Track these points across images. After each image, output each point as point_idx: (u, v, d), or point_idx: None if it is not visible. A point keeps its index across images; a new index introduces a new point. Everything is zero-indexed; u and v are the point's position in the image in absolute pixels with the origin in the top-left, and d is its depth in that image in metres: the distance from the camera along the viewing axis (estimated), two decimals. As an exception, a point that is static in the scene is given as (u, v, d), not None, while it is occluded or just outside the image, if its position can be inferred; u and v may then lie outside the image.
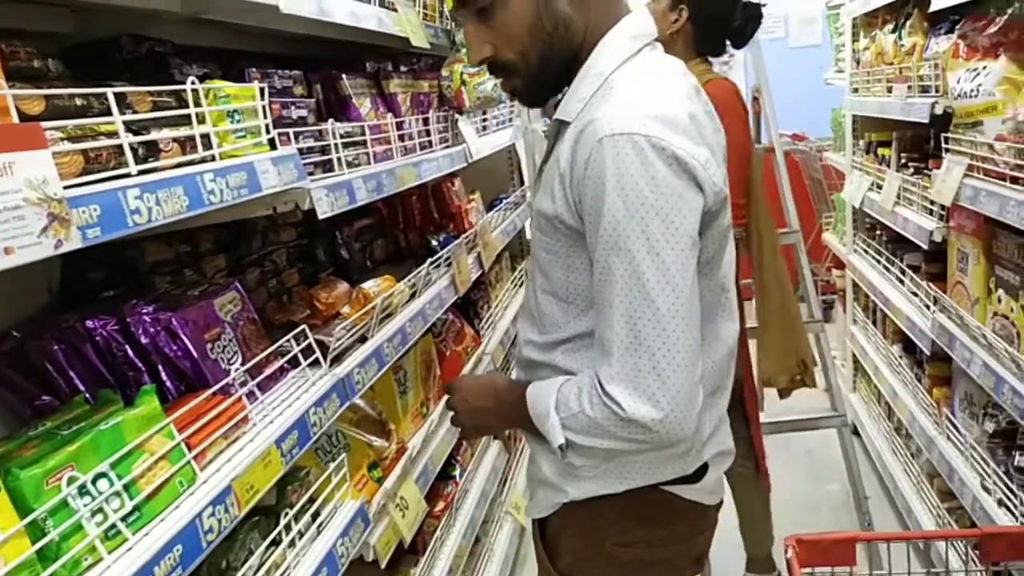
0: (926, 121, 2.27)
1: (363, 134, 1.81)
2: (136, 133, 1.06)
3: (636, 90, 1.09)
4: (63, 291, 1.43)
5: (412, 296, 2.02)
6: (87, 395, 1.19)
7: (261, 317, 1.76)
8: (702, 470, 1.24)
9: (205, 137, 1.20)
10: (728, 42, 2.28)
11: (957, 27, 2.17)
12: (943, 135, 2.16)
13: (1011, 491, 1.92)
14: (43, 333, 1.22)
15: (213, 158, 1.21)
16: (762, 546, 2.59)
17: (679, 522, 1.25)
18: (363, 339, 1.68)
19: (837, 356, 3.95)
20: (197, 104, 1.19)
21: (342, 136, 1.70)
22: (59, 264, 1.41)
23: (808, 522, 2.87)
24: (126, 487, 0.99)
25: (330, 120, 1.64)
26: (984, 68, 1.97)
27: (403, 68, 2.31)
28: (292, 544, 1.35)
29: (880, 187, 2.83)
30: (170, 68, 1.46)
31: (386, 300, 1.74)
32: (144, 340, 1.25)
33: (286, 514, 1.37)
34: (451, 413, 1.40)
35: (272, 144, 1.39)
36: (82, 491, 0.94)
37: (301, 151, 1.51)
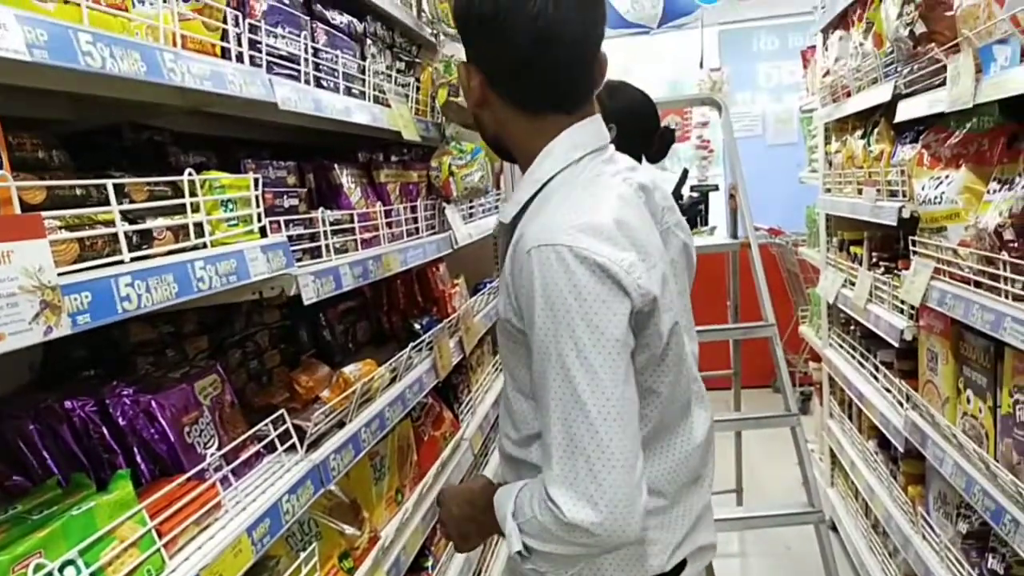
0: (894, 223, 2.36)
1: (352, 221, 1.86)
2: (132, 222, 1.10)
3: (566, 202, 1.14)
4: (44, 369, 1.43)
5: (392, 380, 2.03)
6: (60, 478, 1.18)
7: (241, 399, 1.77)
8: (680, 566, 1.25)
9: (198, 225, 1.24)
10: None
11: (921, 137, 2.29)
12: (911, 238, 2.25)
13: (986, 594, 1.92)
14: (19, 412, 1.23)
15: (205, 245, 1.25)
16: None
17: None
18: (341, 424, 1.69)
19: (815, 449, 3.96)
20: (193, 194, 1.24)
21: (332, 223, 1.75)
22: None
23: (787, 621, 2.82)
24: (93, 575, 0.98)
25: (320, 208, 1.69)
26: (947, 177, 2.07)
27: (394, 158, 2.39)
28: (258, 637, 1.32)
29: (853, 284, 2.91)
30: (168, 156, 1.51)
31: (366, 385, 1.76)
32: (122, 422, 1.25)
33: (254, 605, 1.34)
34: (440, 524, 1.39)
35: (263, 232, 1.43)
36: (48, 579, 0.93)
37: (291, 238, 1.55)
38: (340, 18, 1.88)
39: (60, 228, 0.97)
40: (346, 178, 1.94)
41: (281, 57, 1.56)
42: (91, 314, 0.91)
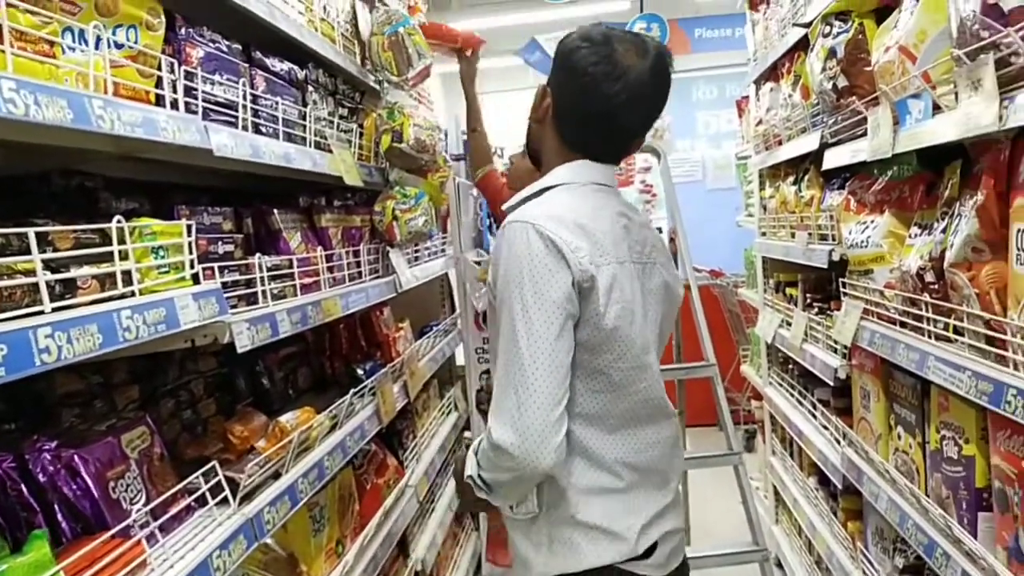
0: (826, 266, 2.45)
1: (290, 267, 1.84)
2: (55, 271, 1.07)
3: (550, 202, 1.42)
4: (-40, 424, 1.37)
5: (333, 428, 1.99)
6: (-28, 539, 1.13)
7: (174, 451, 1.71)
8: (652, 548, 1.44)
9: (127, 273, 1.21)
10: None
11: (848, 183, 2.39)
12: (841, 280, 2.33)
13: (923, 629, 1.95)
14: (-68, 470, 1.17)
15: (133, 294, 1.22)
16: None
17: None
18: (277, 475, 1.65)
19: (760, 487, 4.00)
20: (121, 241, 1.22)
21: (269, 269, 1.73)
22: (-41, 396, 1.36)
23: (735, 663, 2.81)
24: (3, 644, 0.93)
25: (257, 254, 1.68)
26: (872, 222, 2.16)
27: (337, 202, 2.39)
28: None
29: (789, 324, 2.99)
30: (99, 202, 1.49)
31: (303, 433, 1.72)
32: (42, 478, 1.20)
33: (181, 668, 1.28)
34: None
35: (196, 279, 1.41)
36: (-48, 650, 0.88)
37: (226, 285, 1.53)
38: (280, 65, 1.88)
39: (-24, 278, 0.94)
40: (285, 223, 1.92)
41: (219, 104, 1.56)
42: (6, 367, 0.88)
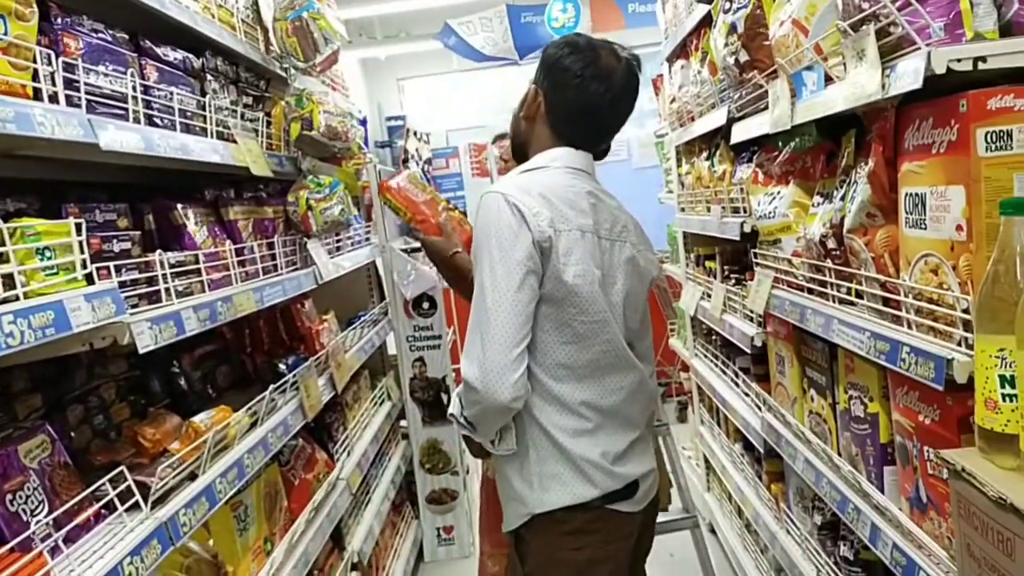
0: (738, 238, 2.51)
1: (196, 262, 1.79)
2: (-77, 277, 1.01)
3: (524, 178, 1.62)
4: None
5: (253, 425, 1.95)
6: None
7: (84, 459, 1.65)
8: (635, 486, 1.64)
9: (8, 276, 1.15)
10: None
11: (755, 157, 2.45)
12: (753, 251, 2.40)
13: (841, 581, 2.04)
14: None
15: (17, 298, 1.16)
16: None
17: (620, 528, 1.63)
18: (193, 476, 1.60)
19: (691, 456, 4.11)
20: (1, 243, 1.16)
21: (172, 265, 1.68)
22: None
23: (671, 627, 2.88)
24: None
25: (158, 251, 1.62)
26: (778, 193, 2.22)
27: (247, 194, 2.32)
28: None
29: (710, 296, 3.07)
30: (-21, 203, 1.41)
31: (219, 433, 1.68)
32: (-72, 497, 1.14)
33: None
34: None
35: (90, 279, 1.35)
36: None
37: (124, 284, 1.48)
38: (173, 54, 1.81)
39: None
40: (190, 217, 1.86)
41: (106, 96, 1.49)
42: None
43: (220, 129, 1.98)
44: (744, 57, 2.18)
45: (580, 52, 1.65)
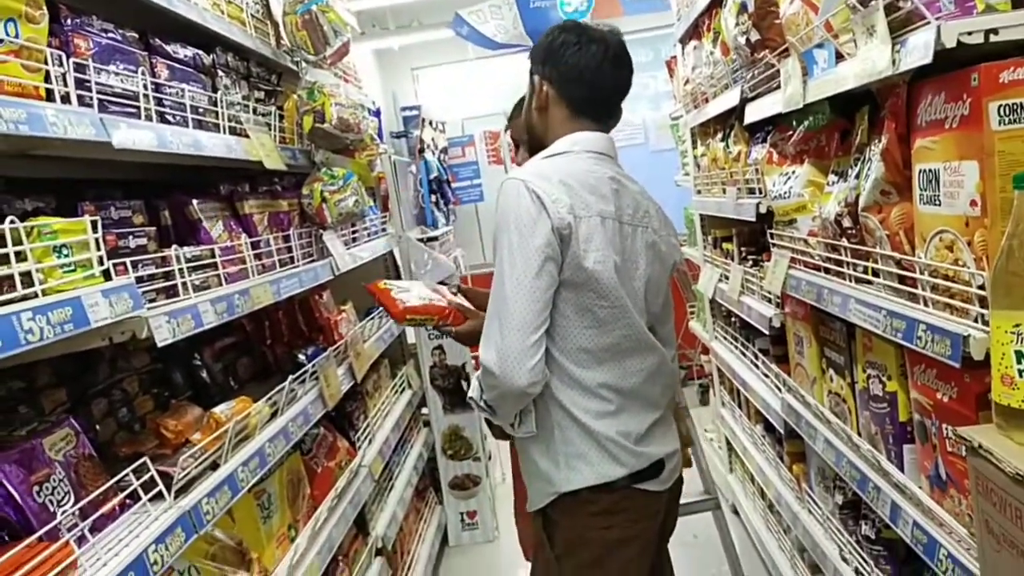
0: (754, 219, 2.49)
1: (212, 256, 1.81)
2: (-56, 277, 1.04)
3: (545, 164, 1.63)
4: None
5: (273, 415, 1.98)
6: None
7: (109, 450, 1.69)
8: (660, 465, 1.67)
9: (26, 274, 1.18)
10: None
11: (769, 136, 2.43)
12: (770, 231, 2.38)
13: (864, 560, 2.03)
14: None
15: (36, 295, 1.19)
16: None
17: (647, 507, 1.67)
18: (215, 466, 1.63)
19: (713, 438, 4.10)
20: (18, 242, 1.18)
21: (189, 260, 1.70)
22: None
23: (695, 609, 2.89)
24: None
25: (174, 246, 1.64)
26: (793, 172, 2.20)
27: (262, 188, 2.35)
28: None
29: (727, 278, 3.05)
30: (-1, 204, 1.44)
31: (240, 423, 1.71)
32: (-42, 490, 1.18)
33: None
34: None
35: (107, 275, 1.38)
36: None
37: (141, 279, 1.50)
38: (184, 51, 1.83)
39: None
40: (205, 212, 1.89)
41: (117, 95, 1.51)
42: None
43: (232, 124, 2.00)
44: (755, 36, 2.15)
45: (568, 29, 1.73)
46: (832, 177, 1.99)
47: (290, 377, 2.08)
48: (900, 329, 1.52)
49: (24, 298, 1.16)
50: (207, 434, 1.65)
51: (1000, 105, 1.23)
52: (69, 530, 1.25)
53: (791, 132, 2.24)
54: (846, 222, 1.84)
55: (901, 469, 1.73)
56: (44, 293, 1.20)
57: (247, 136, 2.05)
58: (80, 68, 1.39)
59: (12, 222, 1.16)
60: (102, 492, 1.36)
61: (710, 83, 2.94)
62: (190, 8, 1.80)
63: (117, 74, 1.51)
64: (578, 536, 1.64)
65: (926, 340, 1.42)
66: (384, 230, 3.62)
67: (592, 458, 1.61)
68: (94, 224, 1.35)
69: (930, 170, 1.42)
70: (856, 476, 1.91)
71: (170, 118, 1.70)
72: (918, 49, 1.30)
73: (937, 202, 1.41)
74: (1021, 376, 1.10)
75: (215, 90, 1.95)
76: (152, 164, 2.00)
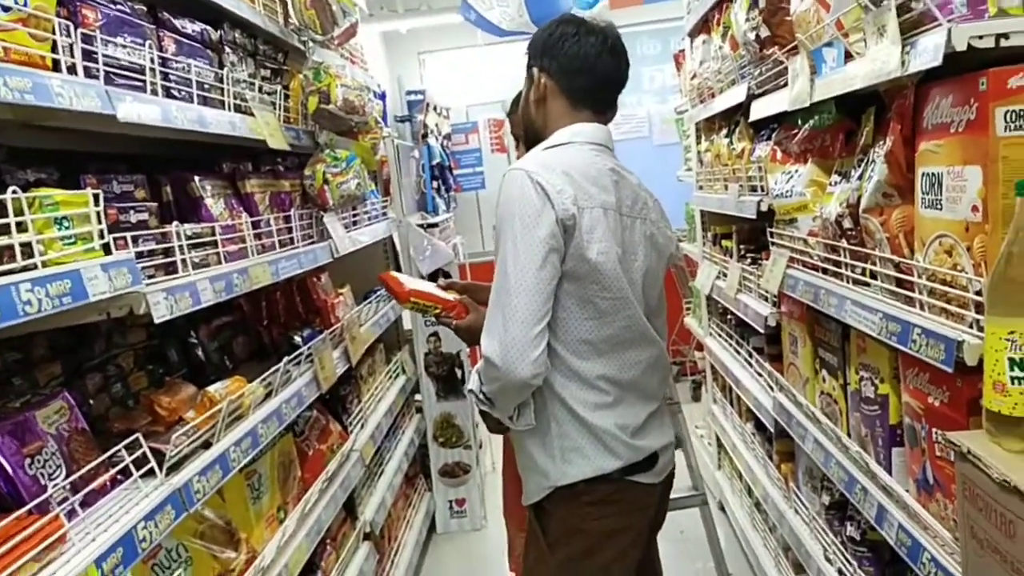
0: (755, 217, 2.49)
1: (213, 234, 1.81)
2: (-57, 245, 1.03)
3: (548, 155, 1.64)
4: None
5: (267, 396, 1.98)
6: None
7: (104, 425, 1.69)
8: (654, 458, 1.68)
9: (26, 245, 1.18)
10: None
11: (774, 134, 2.42)
12: (770, 230, 2.38)
13: (848, 561, 2.04)
14: None
15: (36, 267, 1.19)
16: None
17: (639, 499, 1.68)
18: (207, 444, 1.64)
19: (704, 435, 4.12)
20: (20, 212, 1.18)
21: (189, 237, 1.70)
22: None
23: (677, 603, 2.91)
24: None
25: (175, 223, 1.64)
26: (796, 171, 2.20)
27: (264, 167, 2.34)
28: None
29: (726, 275, 3.05)
30: (1, 174, 1.43)
31: (234, 403, 1.71)
32: (-50, 458, 1.18)
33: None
34: None
35: (107, 249, 1.37)
36: None
37: (141, 255, 1.50)
38: (192, 26, 1.82)
39: None
40: (207, 189, 1.88)
41: (124, 68, 1.51)
42: None
43: (238, 102, 1.99)
44: (765, 33, 2.14)
45: (566, 21, 1.74)
46: (835, 177, 1.99)
47: (285, 359, 2.08)
48: (895, 332, 1.53)
49: (24, 269, 1.16)
50: (201, 412, 1.65)
51: (1007, 111, 1.22)
52: (60, 504, 1.25)
53: (796, 130, 2.24)
54: (847, 223, 1.84)
55: (889, 472, 1.74)
56: (43, 265, 1.19)
57: (252, 114, 2.04)
58: (87, 39, 1.39)
59: (14, 192, 1.16)
60: (93, 467, 1.36)
61: (717, 78, 2.93)
62: (199, -18, 1.79)
63: (124, 47, 1.50)
64: (572, 526, 1.65)
65: (920, 344, 1.42)
66: (385, 214, 3.61)
67: (588, 451, 1.62)
68: (96, 197, 1.34)
69: (933, 174, 1.42)
70: (844, 477, 1.92)
71: (176, 93, 1.69)
72: (928, 51, 1.29)
73: (939, 206, 1.41)
74: (1013, 383, 1.10)
75: (221, 66, 1.94)
76: (155, 139, 2.00)
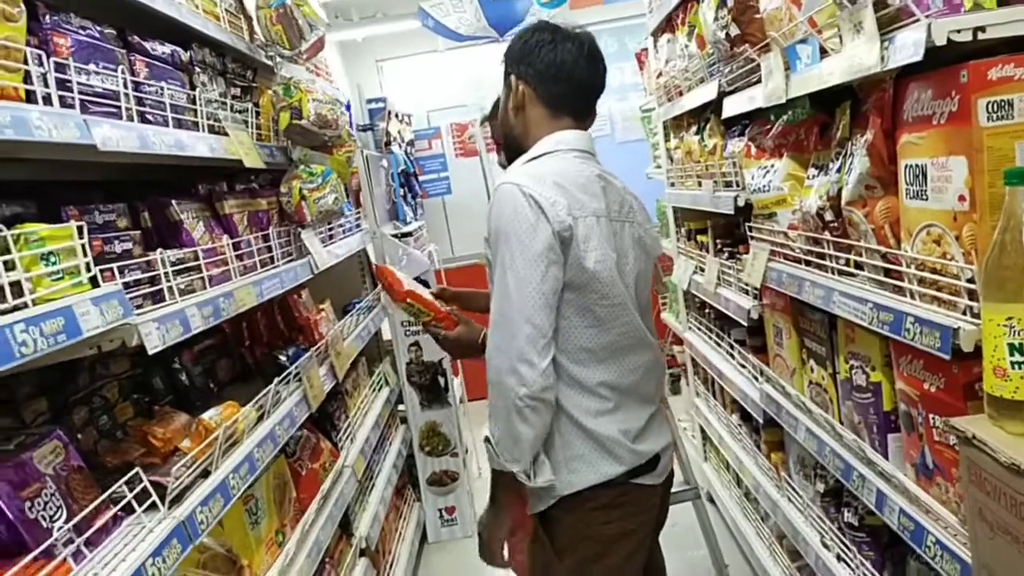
0: (732, 212, 2.52)
1: (196, 259, 1.77)
2: (-67, 290, 0.99)
3: (535, 166, 1.64)
4: None
5: (260, 419, 1.95)
6: None
7: (93, 460, 1.65)
8: (656, 460, 1.70)
9: (16, 284, 1.14)
10: None
11: (747, 130, 2.45)
12: (747, 224, 2.41)
13: (846, 546, 2.08)
14: None
15: (26, 305, 1.15)
16: None
17: (644, 501, 1.70)
18: (206, 473, 1.60)
19: (687, 428, 4.16)
20: (7, 251, 1.14)
21: (173, 263, 1.66)
22: None
23: (675, 596, 2.93)
24: None
25: (159, 250, 1.60)
26: (772, 166, 2.23)
27: (239, 186, 2.30)
28: None
29: (703, 270, 3.09)
30: (-23, 210, 1.39)
31: (229, 429, 1.68)
32: (-52, 509, 1.13)
33: None
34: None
35: (95, 282, 1.34)
36: None
37: (128, 285, 1.46)
38: (161, 48, 1.78)
39: None
40: (186, 213, 1.84)
41: (97, 95, 1.47)
42: None
43: (211, 122, 1.95)
44: (735, 31, 2.17)
45: (541, 28, 1.75)
46: (812, 171, 2.02)
47: (275, 380, 2.05)
48: (887, 321, 1.56)
49: (14, 308, 1.12)
50: (197, 441, 1.62)
51: (989, 101, 1.26)
52: (65, 546, 1.22)
53: (769, 126, 2.27)
54: (828, 215, 1.87)
55: (886, 458, 1.77)
56: (34, 303, 1.16)
57: (226, 134, 2.00)
58: (61, 67, 1.35)
59: (0, 231, 1.12)
60: (96, 506, 1.32)
61: (684, 76, 2.96)
62: (168, 4, 1.75)
63: (97, 73, 1.46)
64: (579, 532, 1.65)
65: (914, 332, 1.45)
66: (358, 226, 3.58)
67: (591, 458, 1.63)
68: (80, 230, 1.31)
69: (917, 165, 1.45)
70: (840, 465, 1.95)
71: (150, 117, 1.65)
72: (908, 46, 1.32)
73: (924, 197, 1.44)
74: (1013, 368, 1.13)
75: (193, 87, 1.90)
76: (127, 164, 1.95)
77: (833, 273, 1.87)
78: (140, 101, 1.61)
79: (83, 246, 1.31)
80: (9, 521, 1.18)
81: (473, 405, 4.79)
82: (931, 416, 1.51)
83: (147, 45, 1.72)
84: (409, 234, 3.90)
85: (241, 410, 1.79)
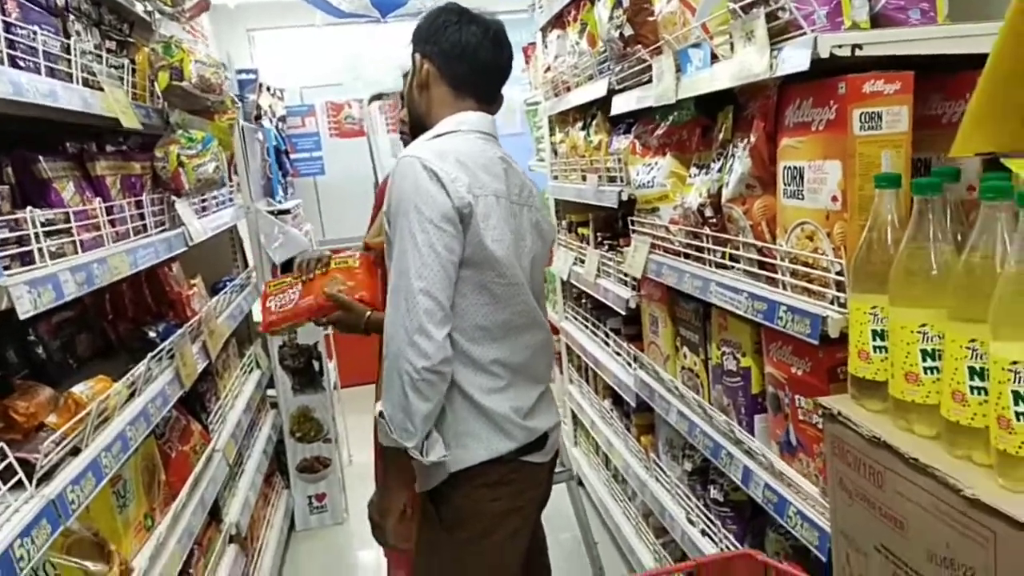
0: (615, 206, 2.63)
1: (67, 221, 1.64)
2: None
3: (439, 143, 1.65)
4: None
5: (131, 396, 1.83)
6: None
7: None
8: (544, 438, 1.76)
9: None
10: None
11: (633, 128, 2.57)
12: (629, 218, 2.53)
13: (711, 521, 2.23)
14: None
15: None
16: None
17: (530, 478, 1.74)
18: (76, 451, 1.49)
19: (560, 413, 4.28)
20: None
21: (43, 224, 1.53)
22: None
23: None
24: None
25: (28, 208, 1.47)
26: (656, 164, 2.35)
27: (110, 148, 2.14)
28: None
29: (583, 261, 3.20)
30: None
31: (102, 404, 1.57)
32: None
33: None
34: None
35: (-43, 238, 1.21)
36: None
37: (-6, 244, 1.33)
38: (36, -11, 1.63)
39: None
40: (55, 172, 1.70)
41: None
42: None
43: (85, 75, 1.80)
44: (629, 31, 2.26)
45: (449, 10, 1.77)
46: (694, 170, 2.15)
47: (149, 355, 1.93)
48: (761, 310, 1.69)
49: None
50: (66, 416, 1.50)
51: (862, 112, 1.39)
52: (-82, 527, 1.10)
53: (655, 125, 2.39)
54: (708, 212, 2.00)
55: (752, 436, 1.92)
56: None
57: (101, 89, 1.86)
58: (-74, -3, 1.20)
59: None
60: (-49, 483, 1.20)
61: (573, 73, 3.05)
62: (43, -59, 1.60)
63: (-34, 8, 1.31)
64: (467, 509, 1.67)
65: (787, 320, 1.58)
66: (231, 200, 3.41)
67: (483, 435, 1.66)
68: (-56, 178, 1.18)
69: (795, 167, 1.59)
70: (709, 444, 2.10)
71: (21, 63, 1.51)
72: (795, 57, 1.44)
73: (800, 196, 1.58)
74: (875, 352, 1.27)
75: (67, 36, 1.75)
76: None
77: (711, 266, 2.00)
78: (11, 44, 1.47)
79: (-54, 197, 1.18)
80: None
81: (347, 392, 4.71)
82: (797, 397, 1.66)
83: (19, -16, 1.57)
84: (287, 211, 3.77)
85: (114, 385, 1.67)
